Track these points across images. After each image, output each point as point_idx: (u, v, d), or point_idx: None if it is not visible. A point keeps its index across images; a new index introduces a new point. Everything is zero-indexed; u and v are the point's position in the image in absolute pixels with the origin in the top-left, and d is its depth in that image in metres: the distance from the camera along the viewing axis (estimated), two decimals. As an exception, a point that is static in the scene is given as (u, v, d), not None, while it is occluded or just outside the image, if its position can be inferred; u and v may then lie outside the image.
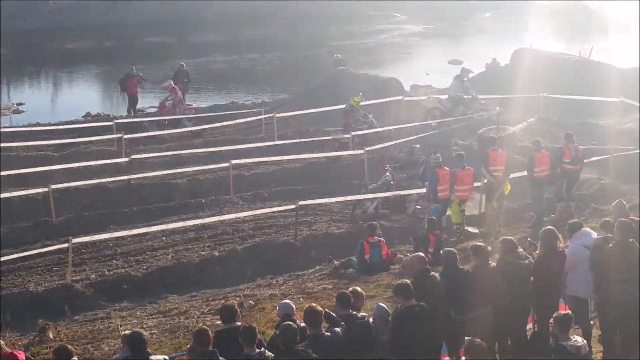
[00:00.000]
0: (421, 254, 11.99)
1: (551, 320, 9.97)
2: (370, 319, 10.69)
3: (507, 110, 30.39)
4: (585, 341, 9.87)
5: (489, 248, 12.32)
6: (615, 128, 28.74)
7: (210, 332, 9.48)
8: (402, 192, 21.74)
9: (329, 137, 28.13)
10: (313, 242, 20.29)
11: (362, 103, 28.68)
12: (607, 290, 11.62)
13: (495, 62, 40.89)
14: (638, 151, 24.64)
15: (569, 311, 12.23)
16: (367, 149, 25.66)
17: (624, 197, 19.12)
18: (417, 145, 23.15)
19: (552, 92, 31.73)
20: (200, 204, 22.98)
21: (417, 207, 21.66)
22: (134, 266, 18.94)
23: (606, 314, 11.92)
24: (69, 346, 9.92)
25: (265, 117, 30.85)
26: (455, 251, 12.22)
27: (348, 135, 27.28)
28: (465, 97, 29.86)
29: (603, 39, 54.30)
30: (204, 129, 30.41)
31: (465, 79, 31.16)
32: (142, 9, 62.15)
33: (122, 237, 20.14)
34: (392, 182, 21.80)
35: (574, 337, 9.63)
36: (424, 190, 20.87)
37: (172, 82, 32.62)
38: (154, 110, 31.59)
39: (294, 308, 10.87)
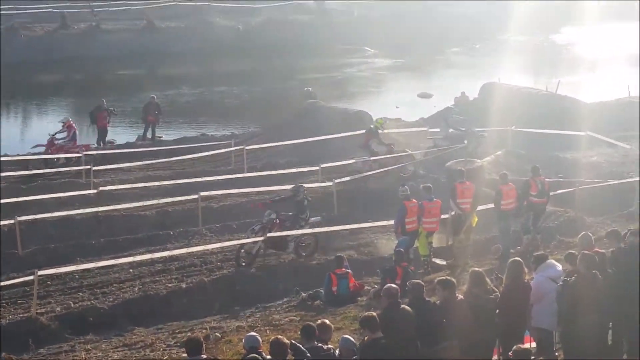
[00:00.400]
0: (394, 285, 12.03)
1: (510, 353, 10.03)
2: (337, 351, 10.69)
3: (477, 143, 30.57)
4: None
5: (454, 280, 12.38)
6: (582, 161, 29.05)
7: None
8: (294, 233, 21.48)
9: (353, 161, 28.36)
10: (281, 273, 20.26)
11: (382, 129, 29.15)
12: (572, 321, 11.71)
13: (464, 95, 41.17)
14: (603, 184, 24.98)
15: (529, 345, 12.38)
16: (336, 181, 25.72)
17: (589, 229, 19.33)
18: (302, 185, 22.74)
19: (519, 125, 32.03)
20: (169, 236, 22.91)
21: (300, 244, 21.54)
22: (100, 298, 18.81)
23: (571, 345, 12.00)
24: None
25: (235, 150, 30.87)
26: (422, 283, 12.29)
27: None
28: (463, 129, 30.06)
29: (570, 74, 54.89)
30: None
31: (454, 115, 31.74)
32: (111, 42, 62.14)
33: (88, 269, 20.02)
34: (276, 221, 21.27)
35: None
36: (307, 230, 21.38)
37: (70, 119, 32.35)
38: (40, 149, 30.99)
39: (260, 340, 10.82)
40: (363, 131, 30.99)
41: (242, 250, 21.04)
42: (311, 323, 10.96)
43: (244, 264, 20.88)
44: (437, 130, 31.38)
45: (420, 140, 31.51)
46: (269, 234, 20.87)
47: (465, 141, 29.54)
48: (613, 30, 75.32)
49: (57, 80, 57.05)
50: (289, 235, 21.33)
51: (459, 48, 70.54)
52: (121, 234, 23.20)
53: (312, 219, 21.95)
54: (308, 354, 10.19)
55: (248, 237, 21.27)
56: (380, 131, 28.98)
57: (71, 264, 19.92)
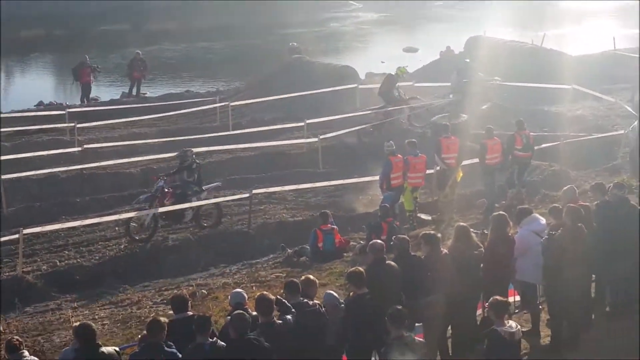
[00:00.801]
0: (379, 241, 12.05)
1: (486, 305, 10.11)
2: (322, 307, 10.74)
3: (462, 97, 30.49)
4: (519, 327, 10.01)
5: (439, 235, 12.43)
6: (567, 115, 29.02)
7: (164, 323, 9.43)
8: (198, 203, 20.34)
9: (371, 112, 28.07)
10: (267, 230, 20.29)
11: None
12: (557, 274, 11.80)
13: (450, 49, 41.09)
14: (588, 138, 25.04)
15: (513, 298, 12.48)
16: (321, 137, 25.67)
17: (574, 183, 19.39)
18: (190, 149, 21.37)
19: (505, 79, 31.94)
20: (154, 194, 22.83)
21: (201, 213, 20.51)
22: (86, 256, 18.82)
23: (555, 298, 12.11)
24: (18, 338, 9.86)
25: (220, 106, 30.73)
26: (408, 238, 12.31)
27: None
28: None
29: (555, 27, 54.78)
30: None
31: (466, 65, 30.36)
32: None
33: (74, 228, 19.98)
34: (166, 190, 20.04)
35: (508, 323, 9.76)
36: (203, 195, 20.39)
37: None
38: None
39: (246, 297, 10.86)
40: (348, 86, 30.97)
41: (133, 224, 19.71)
42: (295, 279, 10.98)
43: (137, 237, 19.65)
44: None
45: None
46: (162, 209, 19.71)
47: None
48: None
49: (38, 36, 56.53)
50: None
51: (443, 1, 70.14)
52: (106, 191, 23.16)
53: (211, 185, 21.14)
54: (293, 310, 10.23)
55: (134, 208, 20.20)
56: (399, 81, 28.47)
57: (56, 222, 19.86)
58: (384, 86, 28.25)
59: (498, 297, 9.99)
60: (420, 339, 10.06)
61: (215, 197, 21.60)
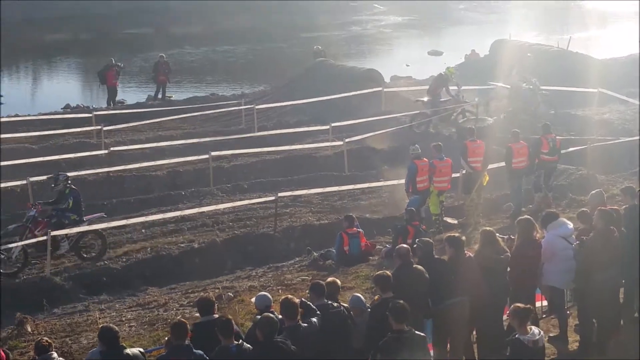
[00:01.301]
0: (405, 245, 12.05)
1: (507, 314, 10.03)
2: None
3: (488, 101, 30.42)
4: (542, 333, 9.92)
5: (464, 238, 12.40)
6: (593, 119, 28.87)
7: (187, 325, 9.49)
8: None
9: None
10: (292, 233, 20.32)
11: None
12: (589, 278, 11.75)
13: (475, 53, 41.02)
14: (615, 141, 24.88)
15: (541, 303, 12.42)
16: (347, 140, 25.68)
17: (601, 187, 19.28)
18: (63, 173, 19.48)
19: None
20: (180, 196, 22.97)
21: (81, 244, 18.96)
22: (113, 259, 18.90)
23: (586, 302, 12.06)
24: (47, 339, 9.96)
25: (245, 109, 30.84)
26: (431, 241, 12.30)
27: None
28: (525, 85, 29.10)
29: (581, 30, 54.51)
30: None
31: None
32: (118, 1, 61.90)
33: (101, 229, 20.06)
34: (39, 220, 18.42)
35: (531, 330, 9.68)
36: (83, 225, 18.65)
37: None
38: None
39: (272, 299, 10.89)
40: (373, 90, 30.94)
41: (2, 256, 17.96)
42: (319, 281, 10.99)
43: (4, 271, 17.76)
44: (498, 85, 30.45)
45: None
46: (29, 240, 18.02)
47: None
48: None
49: (62, 39, 56.90)
50: (59, 235, 18.42)
51: (471, 4, 69.93)
52: (133, 194, 23.29)
53: (93, 215, 19.47)
54: (318, 312, 10.25)
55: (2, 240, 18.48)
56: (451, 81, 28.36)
57: (83, 225, 19.97)
58: (433, 85, 28.23)
59: (520, 305, 9.88)
60: (421, 334, 10.01)
61: (240, 199, 21.74)
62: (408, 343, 9.56)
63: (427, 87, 29.99)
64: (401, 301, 9.86)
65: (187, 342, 9.32)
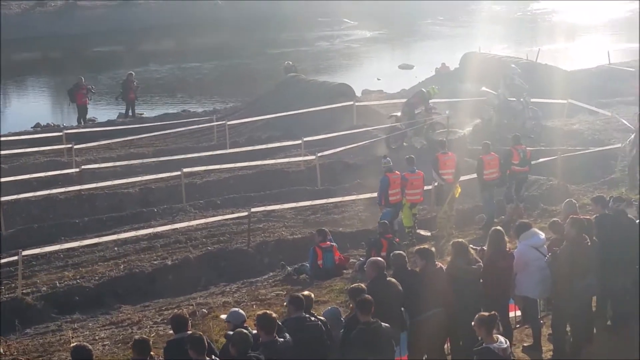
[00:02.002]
0: (379, 258, 12.08)
1: (474, 323, 10.07)
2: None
3: (457, 113, 30.60)
4: (508, 342, 9.96)
5: (434, 249, 12.46)
6: (563, 129, 29.11)
7: (149, 342, 9.44)
8: None
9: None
10: (266, 248, 20.27)
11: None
12: (563, 286, 11.82)
13: (445, 66, 41.26)
14: (585, 152, 25.10)
15: (514, 313, 12.48)
16: (319, 154, 25.70)
17: (572, 197, 19.42)
18: None
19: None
20: (153, 213, 22.85)
21: None
22: (86, 277, 18.76)
23: (560, 311, 12.13)
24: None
25: (217, 125, 30.80)
26: (404, 254, 12.32)
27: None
28: (513, 100, 28.80)
29: (550, 42, 55.01)
30: None
31: (516, 77, 29.42)
32: (87, 19, 61.70)
33: (73, 248, 19.96)
34: None
35: (498, 339, 9.72)
36: None
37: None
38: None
39: (245, 315, 10.86)
40: (344, 104, 31.00)
41: None
42: (298, 294, 10.95)
43: None
44: (490, 92, 29.89)
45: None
46: None
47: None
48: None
49: (34, 58, 56.64)
50: None
51: (440, 18, 70.41)
52: (105, 212, 23.15)
53: None
54: (285, 329, 10.18)
55: None
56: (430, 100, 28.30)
57: (55, 244, 19.87)
58: (412, 101, 28.21)
59: (484, 313, 9.95)
60: (387, 325, 10.12)
61: (213, 215, 21.70)
62: (375, 334, 9.80)
63: (399, 100, 30.09)
64: (367, 295, 9.95)
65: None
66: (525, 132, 26.84)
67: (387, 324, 10.22)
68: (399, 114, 28.14)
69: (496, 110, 29.02)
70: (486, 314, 9.89)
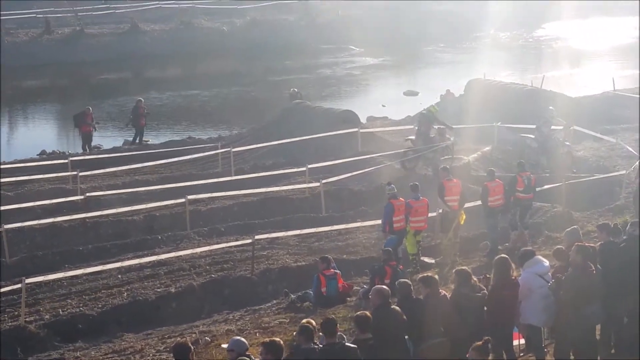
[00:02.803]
0: (384, 286, 12.04)
1: (467, 354, 10.04)
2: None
3: (462, 140, 30.63)
4: None
5: (437, 277, 12.43)
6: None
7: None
8: None
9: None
10: (270, 276, 20.25)
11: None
12: (568, 314, 11.77)
13: (450, 92, 41.29)
14: (590, 178, 25.06)
15: (518, 341, 12.41)
16: (324, 181, 25.70)
17: (577, 224, 19.38)
18: None
19: (505, 121, 32.07)
20: (157, 240, 22.86)
21: None
22: (89, 305, 18.74)
23: (564, 338, 12.07)
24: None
25: (222, 152, 30.83)
26: (410, 282, 12.31)
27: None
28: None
29: (554, 69, 55.10)
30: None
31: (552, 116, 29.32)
32: (94, 46, 62.07)
33: (76, 276, 19.94)
34: None
35: None
36: None
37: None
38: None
39: (247, 343, 10.81)
40: (349, 130, 31.02)
41: None
42: (309, 325, 10.79)
43: None
44: (528, 136, 29.29)
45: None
46: None
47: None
48: (593, 25, 76.11)
49: (40, 85, 56.86)
50: None
51: (443, 45, 70.63)
52: (109, 239, 23.16)
53: None
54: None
55: None
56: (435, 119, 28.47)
57: (59, 271, 19.84)
58: (423, 126, 28.26)
59: (478, 342, 9.95)
60: (352, 345, 10.19)
61: (218, 243, 21.69)
62: (339, 354, 9.85)
63: (404, 127, 30.14)
64: (331, 316, 9.97)
65: None
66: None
67: (354, 345, 10.24)
68: (413, 137, 28.31)
69: (536, 153, 28.54)
70: (479, 342, 9.89)
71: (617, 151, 28.99)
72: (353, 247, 22.16)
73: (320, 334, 10.70)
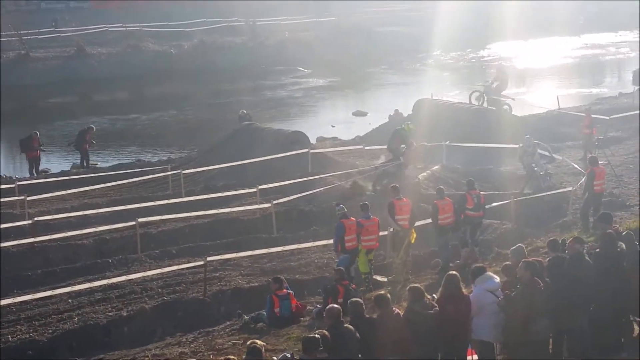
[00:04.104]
0: (336, 305, 12.10)
1: None
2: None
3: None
4: None
5: (389, 296, 12.50)
6: (516, 174, 29.48)
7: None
8: None
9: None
10: (223, 297, 20.15)
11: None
12: (519, 329, 11.92)
13: (398, 113, 41.66)
14: (538, 196, 25.45)
15: (471, 357, 12.53)
16: (275, 202, 25.72)
17: (526, 240, 19.70)
18: None
19: (453, 140, 32.43)
20: (107, 264, 22.63)
21: None
22: (39, 331, 18.46)
23: (516, 354, 12.22)
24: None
25: (172, 174, 30.70)
26: (361, 301, 12.37)
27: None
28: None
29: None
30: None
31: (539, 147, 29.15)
32: (40, 70, 61.61)
33: (25, 302, 19.65)
34: None
35: None
36: None
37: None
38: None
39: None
40: (299, 151, 31.13)
41: None
42: (258, 346, 10.76)
43: None
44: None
45: (360, 159, 31.70)
46: None
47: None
48: (536, 44, 77.52)
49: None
50: None
51: (390, 66, 71.33)
52: (58, 264, 22.85)
53: None
54: None
55: None
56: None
57: (7, 297, 19.52)
58: (395, 143, 28.65)
59: None
60: None
61: (169, 265, 21.55)
62: None
63: (353, 147, 30.33)
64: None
65: None
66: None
67: None
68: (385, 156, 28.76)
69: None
70: None
71: (564, 168, 29.49)
72: (305, 267, 22.17)
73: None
